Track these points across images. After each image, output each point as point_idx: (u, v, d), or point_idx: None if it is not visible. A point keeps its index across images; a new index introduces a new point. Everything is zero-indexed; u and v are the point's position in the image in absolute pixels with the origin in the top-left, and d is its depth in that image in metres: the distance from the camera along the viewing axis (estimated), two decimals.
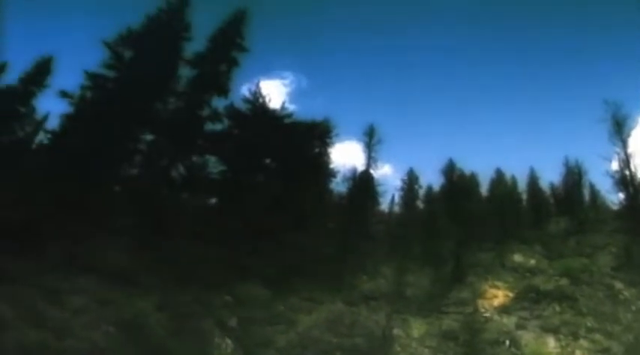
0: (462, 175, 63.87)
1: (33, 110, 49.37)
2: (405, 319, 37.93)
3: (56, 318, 25.45)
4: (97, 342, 25.27)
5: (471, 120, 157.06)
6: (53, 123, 43.76)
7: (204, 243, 35.62)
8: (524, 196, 66.53)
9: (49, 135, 42.48)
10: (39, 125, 48.30)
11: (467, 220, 52.97)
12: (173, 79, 45.34)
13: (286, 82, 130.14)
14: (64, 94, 41.90)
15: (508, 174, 67.68)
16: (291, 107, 53.42)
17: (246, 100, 49.65)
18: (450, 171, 62.37)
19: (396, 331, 36.12)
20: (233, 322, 31.76)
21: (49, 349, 23.70)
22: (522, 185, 67.13)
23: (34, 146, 46.74)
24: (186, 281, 31.57)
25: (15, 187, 34.82)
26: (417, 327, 37.44)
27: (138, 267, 30.89)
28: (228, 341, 30.19)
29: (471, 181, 64.73)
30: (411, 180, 61.45)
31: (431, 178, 69.51)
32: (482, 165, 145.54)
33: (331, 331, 33.42)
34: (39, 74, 49.98)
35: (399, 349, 34.80)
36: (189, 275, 32.13)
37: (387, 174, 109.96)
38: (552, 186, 68.37)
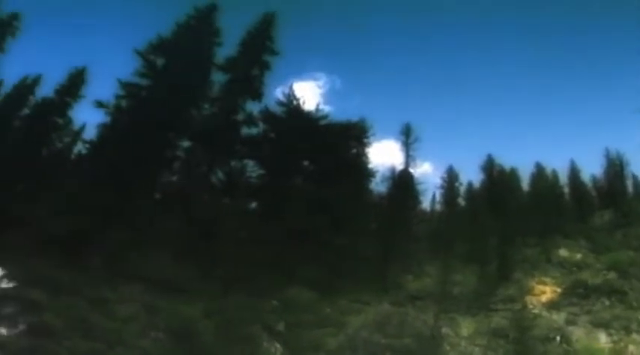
0: (501, 171, 63.13)
1: (70, 121, 49.90)
2: (453, 318, 37.36)
3: (106, 327, 25.42)
4: (147, 350, 25.19)
5: (508, 116, 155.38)
6: (90, 134, 43.94)
7: (248, 247, 35.36)
8: (566, 190, 65.57)
9: (87, 146, 42.64)
10: (76, 136, 48.78)
11: (509, 216, 52.15)
12: (206, 85, 45.23)
13: (320, 83, 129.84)
14: (99, 104, 41.98)
15: (548, 168, 66.97)
16: (325, 108, 52.93)
17: (280, 103, 49.27)
18: (490, 167, 61.60)
19: (444, 330, 35.53)
20: (281, 326, 31.42)
21: None
22: (563, 178, 66.33)
23: (73, 157, 47.15)
24: (232, 287, 31.36)
25: (57, 199, 34.99)
26: (466, 326, 36.83)
27: (183, 275, 30.71)
28: (277, 346, 29.87)
29: (512, 176, 64.02)
30: (450, 178, 60.50)
31: (471, 175, 68.52)
32: (521, 160, 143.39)
33: (380, 332, 32.76)
34: (73, 85, 50.39)
35: (448, 348, 34.18)
36: (235, 281, 31.92)
37: (428, 172, 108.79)
38: (594, 179, 67.46)
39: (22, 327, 24.82)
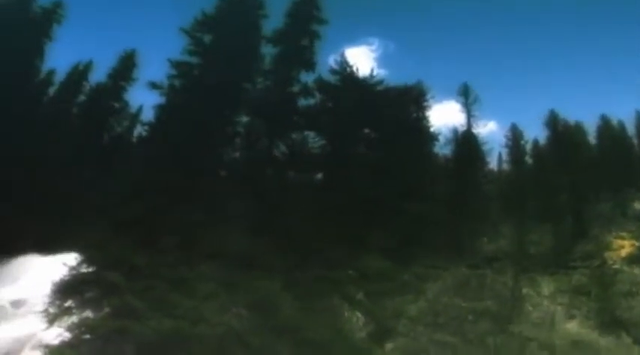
0: (566, 125, 60.71)
1: (126, 104, 50.41)
2: (532, 278, 36.17)
3: (187, 306, 25.66)
4: (230, 325, 25.45)
5: (568, 69, 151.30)
6: (148, 116, 43.94)
7: (318, 219, 34.87)
8: (635, 141, 63.18)
9: (146, 128, 42.51)
10: (134, 118, 49.11)
11: (578, 171, 50.41)
12: (257, 58, 44.46)
13: (373, 47, 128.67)
14: (153, 85, 41.67)
15: (614, 120, 64.53)
16: (381, 73, 51.93)
17: (334, 71, 48.01)
18: (554, 122, 59.32)
19: (525, 290, 34.45)
20: (360, 296, 31.10)
21: (185, 335, 24.00)
22: (630, 129, 63.80)
23: (133, 140, 47.37)
24: (307, 260, 31.13)
25: (124, 182, 35.08)
26: (546, 285, 35.58)
27: (257, 250, 30.45)
28: (359, 315, 29.57)
29: (577, 131, 61.75)
30: (515, 136, 58.70)
31: (537, 132, 66.26)
32: (585, 113, 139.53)
33: (460, 296, 32.29)
34: (125, 69, 50.65)
35: (530, 308, 33.14)
36: (309, 253, 31.66)
37: (494, 131, 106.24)
38: None
39: (106, 310, 25.06)
